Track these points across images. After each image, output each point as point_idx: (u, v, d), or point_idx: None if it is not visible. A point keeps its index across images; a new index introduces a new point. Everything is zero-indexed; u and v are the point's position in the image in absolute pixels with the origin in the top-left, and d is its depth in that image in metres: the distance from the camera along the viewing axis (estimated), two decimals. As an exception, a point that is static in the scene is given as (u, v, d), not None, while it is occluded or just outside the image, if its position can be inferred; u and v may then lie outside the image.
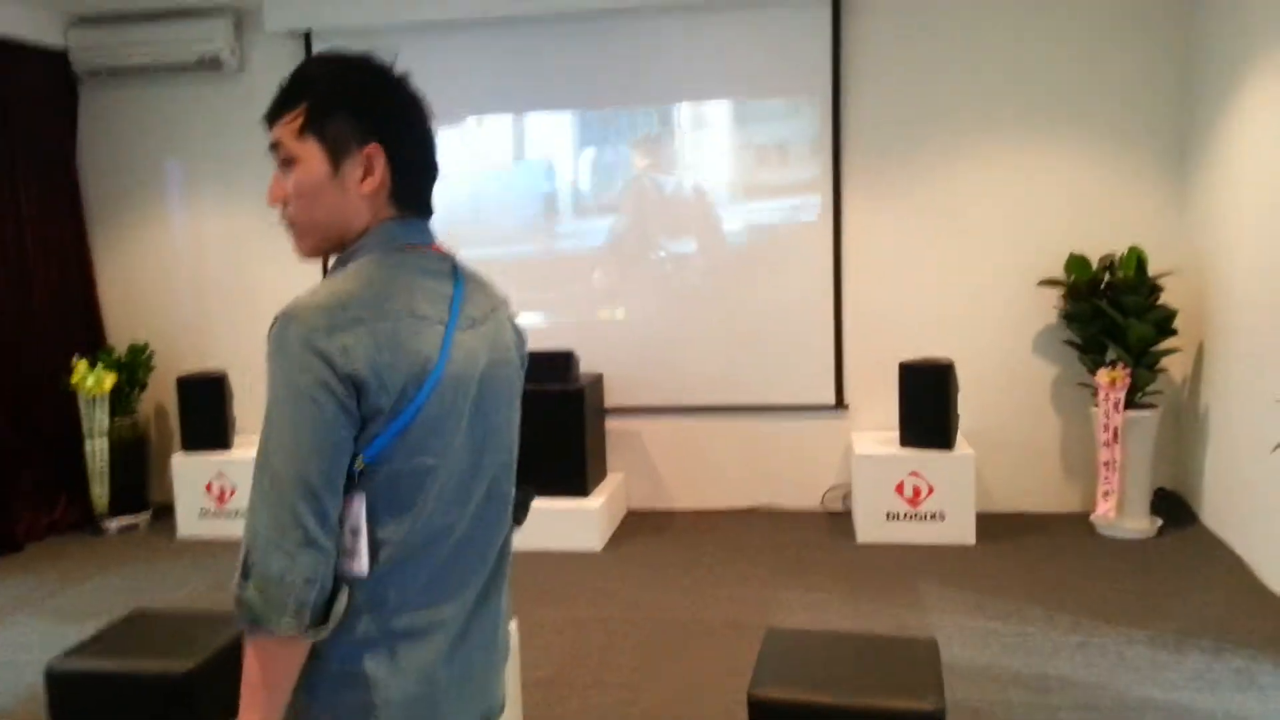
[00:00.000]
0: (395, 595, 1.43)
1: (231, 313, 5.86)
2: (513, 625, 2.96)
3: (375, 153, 1.45)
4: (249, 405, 5.81)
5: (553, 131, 5.45)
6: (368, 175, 1.46)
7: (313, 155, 1.45)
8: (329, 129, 1.45)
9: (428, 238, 1.54)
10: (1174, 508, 4.92)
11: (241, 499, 5.33)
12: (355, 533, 1.39)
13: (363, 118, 1.45)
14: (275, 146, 1.47)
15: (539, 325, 5.52)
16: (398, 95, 1.49)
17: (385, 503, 1.41)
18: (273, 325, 1.37)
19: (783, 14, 5.13)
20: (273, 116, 1.48)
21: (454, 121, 5.49)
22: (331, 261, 1.51)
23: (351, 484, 1.39)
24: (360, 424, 1.38)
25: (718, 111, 5.29)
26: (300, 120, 1.45)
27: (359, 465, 1.38)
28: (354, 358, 1.35)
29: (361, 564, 1.40)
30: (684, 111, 5.31)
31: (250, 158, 5.69)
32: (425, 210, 1.54)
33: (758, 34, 5.18)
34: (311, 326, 1.35)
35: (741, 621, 3.89)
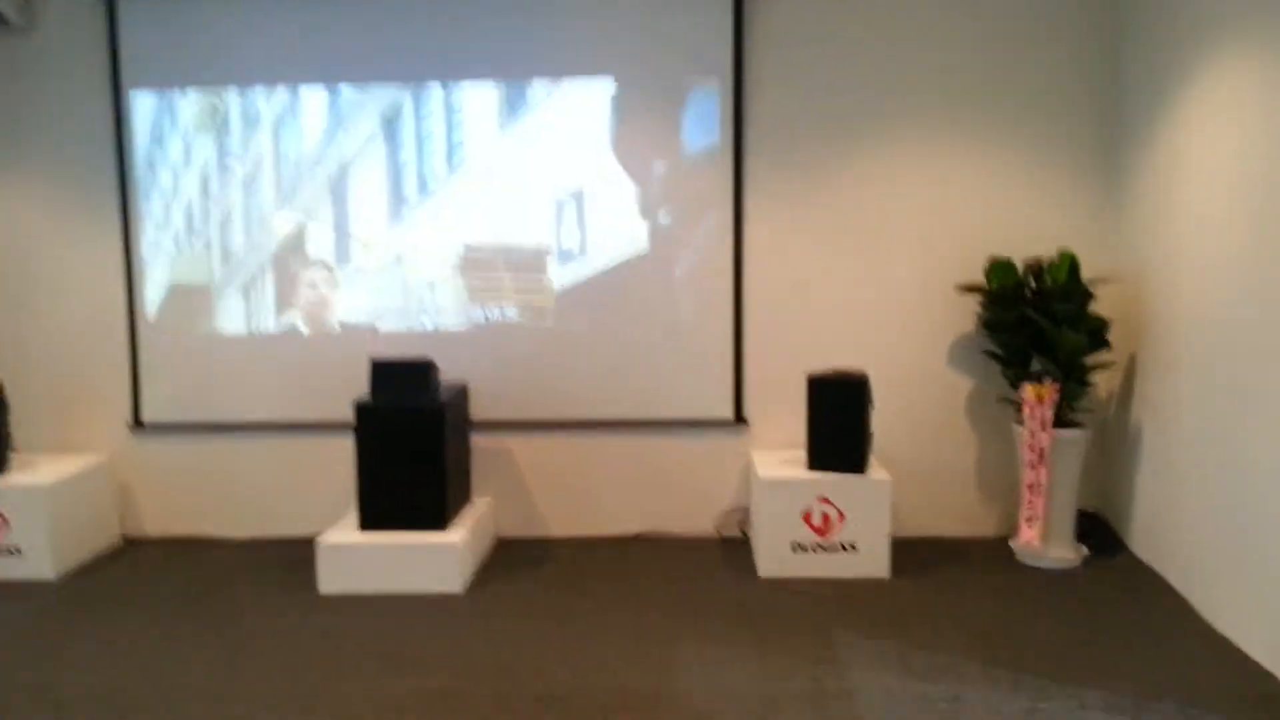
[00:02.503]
0: None
1: (12, 310, 4.82)
2: None
3: None
4: (29, 422, 4.82)
5: (394, 107, 4.64)
6: None
7: None
8: None
9: None
10: (1097, 533, 4.51)
11: (21, 534, 4.35)
12: None
13: None
14: None
15: (392, 330, 4.72)
16: None
17: None
18: None
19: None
20: None
21: (273, 91, 4.63)
22: None
23: None
24: None
25: (600, 91, 4.59)
26: None
27: None
28: None
29: None
30: (562, 88, 4.59)
31: (39, 131, 4.71)
32: None
33: (648, 6, 4.51)
34: None
35: (635, 691, 3.21)
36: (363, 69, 4.59)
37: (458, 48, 4.57)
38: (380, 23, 4.57)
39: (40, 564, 4.38)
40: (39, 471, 4.53)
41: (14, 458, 4.63)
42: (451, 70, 4.58)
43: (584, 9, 4.52)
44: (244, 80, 4.62)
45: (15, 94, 4.70)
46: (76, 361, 4.83)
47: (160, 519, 4.90)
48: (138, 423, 4.83)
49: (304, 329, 4.71)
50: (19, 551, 4.38)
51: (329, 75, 4.61)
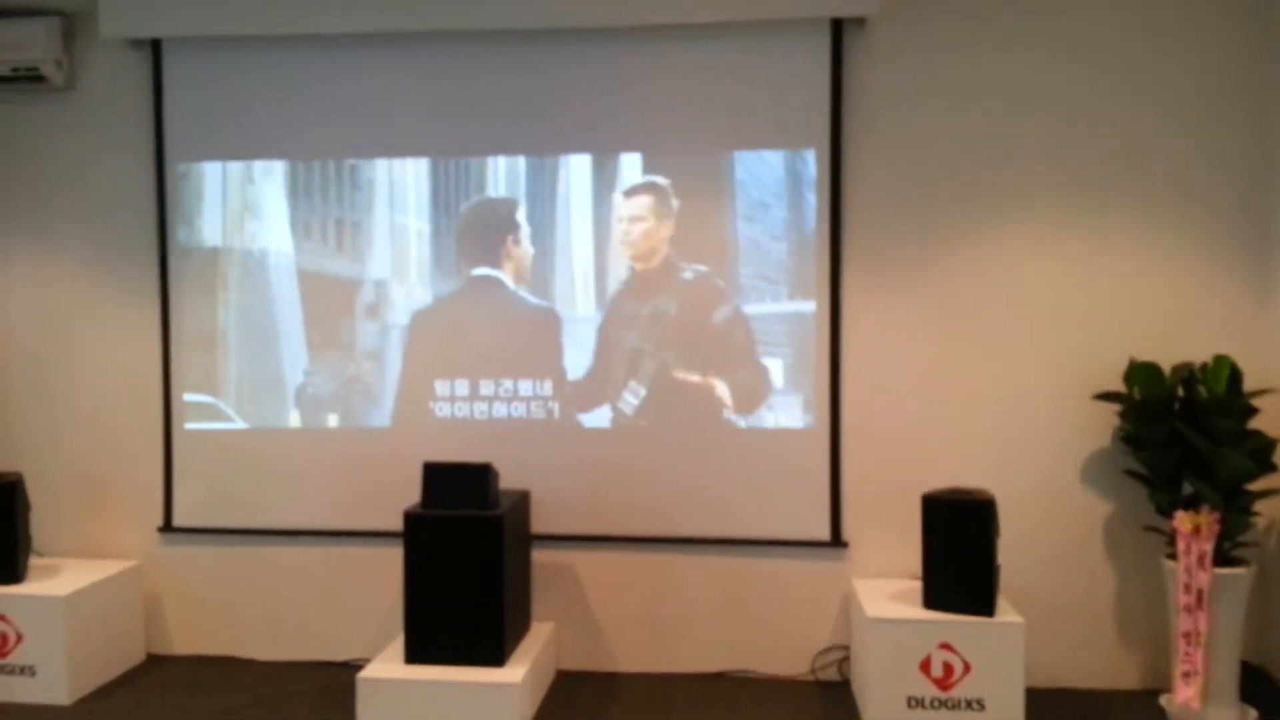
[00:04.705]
0: None
1: (38, 398, 4.47)
2: None
3: None
4: (51, 522, 4.43)
5: (464, 180, 4.26)
6: None
7: None
8: None
9: None
10: (1261, 690, 3.84)
11: (32, 651, 3.91)
12: None
13: None
14: None
15: (445, 426, 4.26)
16: None
17: None
18: None
19: (770, 48, 4.07)
20: None
21: (343, 162, 4.28)
22: None
23: None
24: None
25: (682, 167, 4.17)
26: None
27: None
28: None
29: None
30: (640, 163, 4.18)
31: (76, 198, 4.41)
32: None
33: (737, 73, 4.10)
34: None
35: None
36: (423, 143, 4.25)
37: (542, 124, 4.20)
38: (447, 96, 4.22)
39: (55, 686, 3.92)
40: (58, 579, 4.10)
41: (33, 564, 4.22)
42: (530, 144, 4.21)
43: (674, 75, 4.14)
44: (297, 154, 4.30)
45: (52, 164, 4.41)
46: (105, 456, 4.44)
47: (189, 635, 4.43)
48: (168, 526, 4.40)
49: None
50: (33, 672, 3.94)
51: (389, 149, 4.26)
